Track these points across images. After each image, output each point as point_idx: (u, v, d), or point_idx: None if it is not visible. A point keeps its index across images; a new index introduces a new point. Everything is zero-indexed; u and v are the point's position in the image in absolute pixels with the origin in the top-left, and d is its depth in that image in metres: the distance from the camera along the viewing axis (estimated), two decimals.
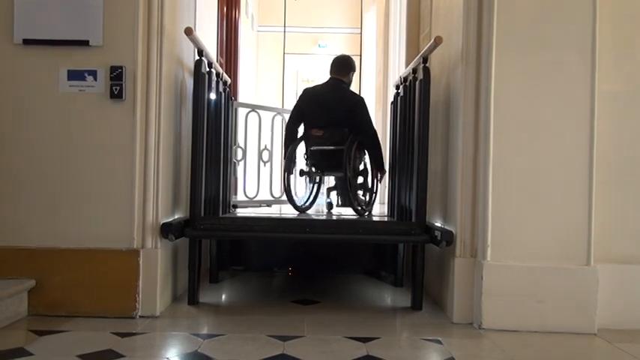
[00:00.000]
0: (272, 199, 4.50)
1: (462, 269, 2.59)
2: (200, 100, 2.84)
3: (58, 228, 2.54)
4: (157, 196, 2.61)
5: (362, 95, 4.48)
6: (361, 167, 3.77)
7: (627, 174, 2.62)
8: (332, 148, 3.59)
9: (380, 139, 3.89)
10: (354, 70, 3.89)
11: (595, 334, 2.44)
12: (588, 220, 2.48)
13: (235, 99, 4.51)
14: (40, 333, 2.25)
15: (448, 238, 2.62)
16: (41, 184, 2.55)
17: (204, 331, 2.42)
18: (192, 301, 2.81)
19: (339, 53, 4.21)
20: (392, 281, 3.51)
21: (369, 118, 3.73)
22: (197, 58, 2.86)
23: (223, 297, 3.14)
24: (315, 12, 10.06)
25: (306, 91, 3.88)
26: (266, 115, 4.45)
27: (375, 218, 3.54)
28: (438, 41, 2.69)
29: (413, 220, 2.87)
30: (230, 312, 2.81)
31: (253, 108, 4.37)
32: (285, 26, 9.83)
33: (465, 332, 2.46)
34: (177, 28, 2.84)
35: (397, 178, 3.44)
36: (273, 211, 4.01)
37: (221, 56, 5.21)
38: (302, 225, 2.97)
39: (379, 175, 3.73)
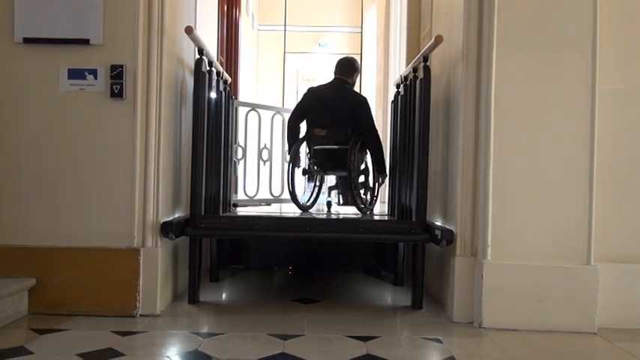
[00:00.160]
0: (271, 197, 4.50)
1: (462, 268, 2.59)
2: (200, 99, 2.84)
3: (58, 227, 2.54)
4: (158, 195, 2.61)
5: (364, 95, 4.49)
6: (362, 167, 3.79)
7: (628, 173, 2.62)
8: (335, 147, 3.64)
9: (381, 138, 3.89)
10: (358, 72, 3.96)
11: (595, 334, 2.44)
12: (588, 220, 2.48)
13: (236, 98, 4.51)
14: (41, 332, 2.25)
15: (448, 237, 2.62)
16: (41, 183, 2.55)
17: (205, 329, 2.42)
18: (193, 299, 2.81)
19: (339, 52, 4.25)
20: (392, 280, 3.51)
21: (372, 118, 3.76)
22: (197, 57, 2.86)
23: (223, 296, 3.15)
24: (315, 11, 10.05)
25: (311, 90, 3.91)
26: (266, 114, 4.45)
27: (375, 217, 3.54)
28: (438, 40, 2.69)
29: (413, 219, 2.87)
30: (230, 311, 2.81)
31: (253, 107, 4.37)
32: (285, 25, 9.81)
33: (465, 331, 2.46)
34: (178, 27, 2.84)
35: (397, 177, 3.44)
36: (273, 210, 4.01)
37: (221, 55, 5.21)
38: (302, 224, 2.97)
39: (380, 179, 3.76)
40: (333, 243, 3.58)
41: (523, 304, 2.46)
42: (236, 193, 4.36)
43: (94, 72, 2.55)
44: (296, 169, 3.76)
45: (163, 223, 2.63)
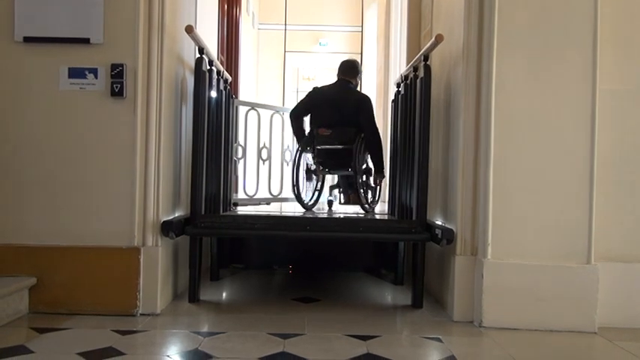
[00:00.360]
0: (271, 197, 4.50)
1: (462, 267, 2.59)
2: (201, 98, 2.84)
3: (58, 226, 2.54)
4: (158, 194, 2.61)
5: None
6: (364, 166, 3.80)
7: (628, 172, 2.62)
8: (339, 147, 3.68)
9: (381, 137, 3.90)
10: (360, 74, 4.03)
11: (595, 333, 2.44)
12: (589, 219, 2.48)
13: (236, 97, 4.50)
14: (41, 330, 2.25)
15: (449, 236, 2.62)
16: (42, 182, 2.55)
17: (205, 328, 2.42)
18: (193, 298, 2.82)
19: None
20: (392, 279, 3.51)
21: (373, 116, 3.79)
22: (198, 55, 2.86)
23: (224, 295, 3.15)
24: (316, 10, 10.04)
25: (316, 90, 3.97)
26: (265, 114, 4.45)
27: (376, 216, 3.54)
28: (439, 39, 2.69)
29: (413, 218, 2.87)
30: (230, 310, 2.81)
31: (253, 106, 4.36)
32: (285, 24, 9.80)
33: (465, 330, 2.46)
34: (178, 26, 2.83)
35: (398, 176, 3.44)
36: (273, 209, 4.01)
37: (222, 54, 5.21)
38: (302, 223, 2.97)
39: (378, 180, 3.78)
40: (333, 242, 3.59)
41: (523, 304, 2.46)
42: (236, 192, 4.36)
43: (94, 71, 2.55)
44: (300, 169, 3.79)
45: (164, 222, 2.63)
